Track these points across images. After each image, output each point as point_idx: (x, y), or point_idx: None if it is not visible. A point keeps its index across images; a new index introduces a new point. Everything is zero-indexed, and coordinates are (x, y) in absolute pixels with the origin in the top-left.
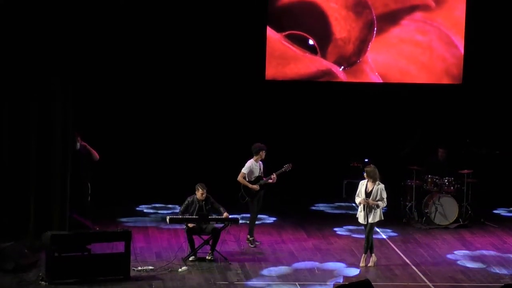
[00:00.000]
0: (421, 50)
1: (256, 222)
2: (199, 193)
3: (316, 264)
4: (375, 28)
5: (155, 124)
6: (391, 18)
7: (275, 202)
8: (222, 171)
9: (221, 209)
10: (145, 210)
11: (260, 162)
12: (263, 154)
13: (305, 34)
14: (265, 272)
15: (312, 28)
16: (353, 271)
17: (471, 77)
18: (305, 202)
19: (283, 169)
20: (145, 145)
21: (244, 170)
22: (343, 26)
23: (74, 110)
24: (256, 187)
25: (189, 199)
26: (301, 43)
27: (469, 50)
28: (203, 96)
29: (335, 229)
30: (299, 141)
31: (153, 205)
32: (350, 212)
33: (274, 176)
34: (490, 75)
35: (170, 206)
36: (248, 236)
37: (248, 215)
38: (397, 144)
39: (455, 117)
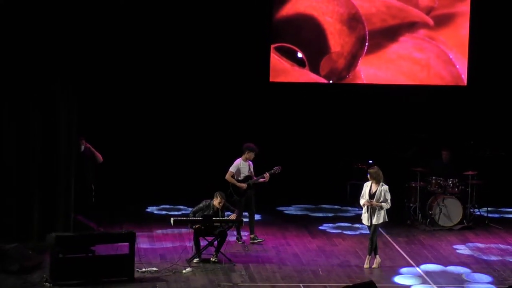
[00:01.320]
0: (419, 68)
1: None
2: (217, 201)
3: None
4: (367, 44)
5: (160, 126)
6: (389, 34)
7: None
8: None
9: (234, 210)
10: (155, 212)
11: (250, 162)
12: (248, 154)
13: (293, 47)
14: (269, 273)
15: (308, 41)
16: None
17: (475, 79)
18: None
19: (272, 170)
20: (151, 146)
21: (232, 168)
22: (337, 41)
23: (79, 112)
24: (243, 185)
25: (205, 202)
26: (289, 55)
27: (474, 52)
28: (208, 97)
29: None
30: (303, 143)
31: (162, 206)
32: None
33: (267, 175)
34: (495, 77)
35: (181, 207)
36: (238, 236)
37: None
38: (401, 146)
39: (460, 119)
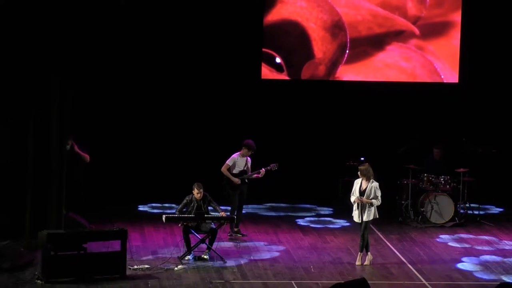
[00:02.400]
0: (405, 77)
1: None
2: (195, 193)
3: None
4: (347, 51)
5: (150, 124)
6: (376, 42)
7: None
8: (217, 169)
9: (218, 208)
10: (149, 211)
11: (248, 158)
12: (244, 151)
13: (272, 52)
14: (261, 270)
15: (293, 47)
16: None
17: (467, 76)
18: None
19: (269, 167)
20: (141, 144)
21: (228, 161)
22: (320, 47)
23: (71, 111)
24: (237, 180)
25: (187, 198)
26: (267, 61)
27: (465, 49)
28: (199, 95)
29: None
30: (295, 140)
31: (150, 205)
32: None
33: (262, 171)
34: (486, 74)
35: (166, 205)
36: (231, 230)
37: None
38: (394, 143)
39: (451, 116)
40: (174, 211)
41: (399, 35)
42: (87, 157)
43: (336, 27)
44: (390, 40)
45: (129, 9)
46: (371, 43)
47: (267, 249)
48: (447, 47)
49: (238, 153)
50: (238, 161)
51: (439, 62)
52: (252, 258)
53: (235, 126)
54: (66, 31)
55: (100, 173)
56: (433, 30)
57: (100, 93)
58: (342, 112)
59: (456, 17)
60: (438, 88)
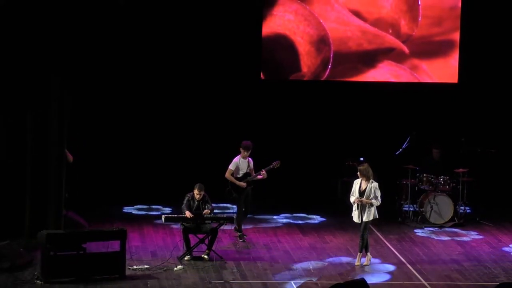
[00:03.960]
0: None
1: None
2: (196, 193)
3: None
4: (329, 66)
5: (148, 124)
6: (366, 59)
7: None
8: (215, 170)
9: (211, 209)
10: (134, 212)
11: (250, 159)
12: (242, 152)
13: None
14: (260, 270)
15: (282, 60)
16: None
17: (466, 76)
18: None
19: (271, 166)
20: (138, 145)
21: (231, 166)
22: (305, 61)
23: (70, 111)
24: (243, 184)
25: (189, 195)
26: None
27: (465, 49)
28: (196, 94)
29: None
30: (294, 140)
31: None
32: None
33: (263, 172)
34: (486, 74)
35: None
36: (238, 233)
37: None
38: (393, 144)
39: (450, 116)
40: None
41: (389, 53)
42: (70, 157)
43: (322, 42)
44: (382, 58)
45: (129, 9)
46: (361, 60)
47: (266, 249)
48: (444, 67)
49: (239, 156)
50: (240, 164)
51: (431, 81)
52: (251, 258)
53: (233, 126)
54: (65, 30)
55: (90, 172)
56: (430, 49)
57: (98, 93)
58: (341, 112)
59: (455, 35)
60: (437, 88)
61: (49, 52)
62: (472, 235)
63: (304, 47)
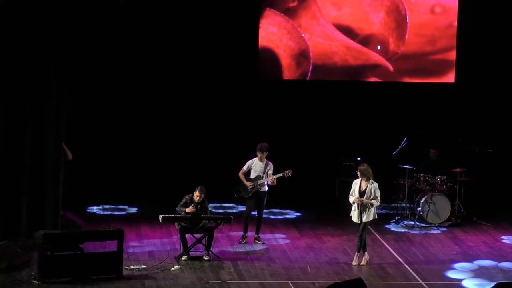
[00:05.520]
0: None
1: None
2: (196, 195)
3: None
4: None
5: (146, 125)
6: (353, 74)
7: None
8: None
9: (205, 210)
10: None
11: (270, 163)
12: (258, 154)
13: None
14: (257, 270)
15: (267, 74)
16: None
17: (463, 76)
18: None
19: (281, 174)
20: (135, 145)
21: (244, 166)
22: (286, 74)
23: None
24: (249, 184)
25: (187, 197)
26: None
27: (461, 49)
28: (191, 93)
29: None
30: (292, 141)
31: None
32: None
33: (272, 178)
34: (483, 74)
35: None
36: (245, 235)
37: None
38: (390, 144)
39: (447, 116)
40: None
41: (374, 70)
42: (69, 154)
43: (302, 56)
44: (369, 74)
45: (129, 9)
46: (347, 75)
47: (263, 248)
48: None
49: (255, 158)
50: (254, 166)
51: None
52: (249, 258)
53: (228, 127)
54: (65, 28)
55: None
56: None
57: (94, 92)
58: (338, 112)
59: (451, 55)
60: (434, 88)
61: (48, 50)
62: (469, 234)
63: (285, 60)
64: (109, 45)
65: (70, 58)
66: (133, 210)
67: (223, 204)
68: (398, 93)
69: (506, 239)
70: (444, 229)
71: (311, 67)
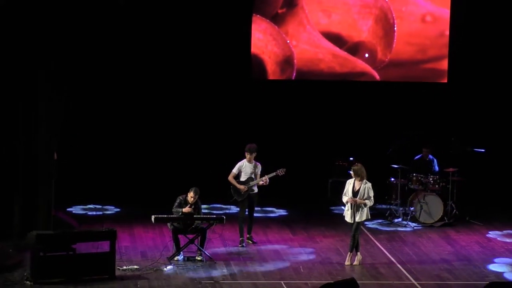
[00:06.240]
0: None
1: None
2: (190, 196)
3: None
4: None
5: (138, 125)
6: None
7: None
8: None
9: (198, 211)
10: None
11: (258, 164)
12: (247, 155)
13: None
14: (250, 270)
15: (254, 79)
16: None
17: (456, 75)
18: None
19: (274, 173)
20: (131, 147)
21: (234, 169)
22: (270, 80)
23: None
24: (243, 187)
25: (181, 198)
26: None
27: (454, 49)
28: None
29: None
30: (284, 140)
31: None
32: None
33: (265, 178)
34: (475, 74)
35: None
36: (241, 238)
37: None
38: (383, 143)
39: (440, 116)
40: (99, 213)
41: (360, 77)
42: (54, 155)
43: (286, 63)
44: (350, 80)
45: (126, 10)
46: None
47: (256, 249)
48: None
49: (244, 160)
50: (244, 167)
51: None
52: (241, 258)
53: (220, 127)
54: (61, 28)
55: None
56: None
57: (89, 93)
58: (331, 112)
59: (443, 65)
60: (427, 88)
61: (42, 51)
62: (462, 234)
63: (270, 66)
64: (104, 47)
65: (65, 58)
66: (112, 210)
67: (215, 205)
68: (391, 93)
69: (491, 233)
70: (436, 228)
71: (294, 73)
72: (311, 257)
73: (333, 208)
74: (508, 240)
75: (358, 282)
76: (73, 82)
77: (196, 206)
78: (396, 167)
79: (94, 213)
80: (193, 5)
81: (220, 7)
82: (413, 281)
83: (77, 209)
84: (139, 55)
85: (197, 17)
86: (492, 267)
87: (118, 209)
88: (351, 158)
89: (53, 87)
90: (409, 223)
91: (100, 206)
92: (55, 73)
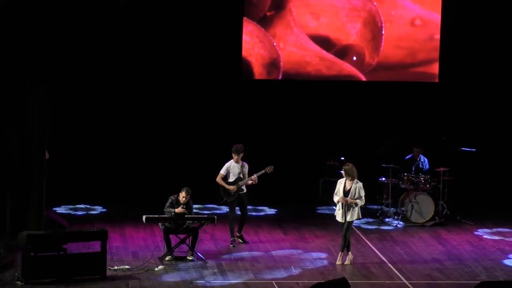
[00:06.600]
0: None
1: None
2: (182, 196)
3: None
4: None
5: (129, 125)
6: (323, 84)
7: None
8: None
9: (190, 211)
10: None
11: (245, 164)
12: (234, 156)
13: None
14: (241, 270)
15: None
16: None
17: (447, 75)
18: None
19: (263, 171)
20: (122, 146)
21: (222, 171)
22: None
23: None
24: (232, 188)
25: (173, 198)
26: None
27: (445, 49)
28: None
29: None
30: (275, 140)
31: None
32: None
33: (254, 177)
34: (466, 74)
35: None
36: (232, 238)
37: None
38: (374, 143)
39: (431, 115)
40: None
41: (345, 79)
42: (47, 154)
43: (272, 65)
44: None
45: (118, 10)
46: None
47: (247, 249)
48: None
49: (231, 160)
50: (232, 168)
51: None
52: (232, 258)
53: (210, 127)
54: (46, 27)
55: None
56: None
57: (80, 92)
58: (321, 112)
59: (433, 69)
60: (418, 88)
61: (33, 52)
62: (453, 234)
63: (257, 69)
64: (95, 47)
65: (54, 58)
66: (99, 210)
67: (206, 205)
68: (382, 92)
69: (480, 231)
70: (427, 228)
71: (281, 76)
72: (303, 256)
73: (321, 208)
74: (496, 237)
75: (349, 281)
76: (61, 82)
77: (187, 206)
78: (387, 167)
79: (80, 213)
80: (184, 6)
81: (211, 8)
82: (404, 281)
83: (63, 209)
84: (128, 56)
85: (188, 18)
86: (508, 262)
87: (105, 210)
88: (342, 158)
89: (45, 86)
90: (393, 220)
91: (89, 206)
92: (46, 72)
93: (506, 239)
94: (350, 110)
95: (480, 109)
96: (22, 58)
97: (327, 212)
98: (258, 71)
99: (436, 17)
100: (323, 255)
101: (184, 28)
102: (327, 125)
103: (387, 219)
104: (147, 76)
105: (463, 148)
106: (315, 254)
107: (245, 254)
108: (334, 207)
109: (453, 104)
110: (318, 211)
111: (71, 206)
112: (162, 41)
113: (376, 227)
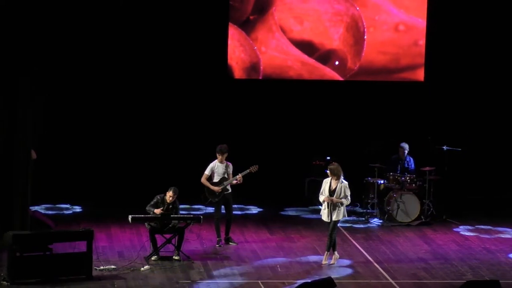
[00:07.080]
0: None
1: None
2: (168, 196)
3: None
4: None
5: (115, 124)
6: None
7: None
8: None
9: (176, 211)
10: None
11: (229, 164)
12: (218, 156)
13: None
14: (227, 270)
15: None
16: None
17: (433, 74)
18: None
19: (248, 170)
20: (108, 146)
21: (206, 171)
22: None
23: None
24: (217, 188)
25: (158, 197)
26: None
27: (431, 48)
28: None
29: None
30: (260, 140)
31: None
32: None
33: (239, 176)
34: (452, 73)
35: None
36: (218, 238)
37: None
38: (359, 142)
39: (417, 115)
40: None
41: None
42: (34, 154)
43: (252, 69)
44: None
45: (112, 11)
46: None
47: (233, 248)
48: None
49: (215, 160)
50: (216, 168)
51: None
52: (218, 257)
53: (197, 127)
54: (34, 28)
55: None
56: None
57: (66, 92)
58: (307, 111)
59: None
60: (403, 87)
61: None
62: (439, 233)
63: (238, 72)
64: (81, 48)
65: (44, 59)
66: (84, 209)
67: (192, 206)
68: (367, 91)
69: (465, 230)
70: (413, 227)
71: (261, 76)
72: (288, 256)
73: (307, 208)
74: (482, 236)
75: (335, 281)
76: (51, 81)
77: (174, 205)
78: (373, 166)
79: (66, 212)
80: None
81: (197, 9)
82: (390, 280)
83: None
84: (115, 58)
85: (174, 19)
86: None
87: (87, 209)
88: (328, 158)
89: (31, 87)
90: (370, 219)
91: (72, 206)
92: (34, 73)
93: (490, 236)
94: (336, 109)
95: (466, 108)
96: (10, 58)
97: (311, 217)
98: (238, 75)
99: (420, 22)
100: (309, 254)
101: (166, 30)
102: (313, 125)
103: (371, 219)
104: (131, 76)
105: (449, 148)
106: (301, 254)
107: (231, 253)
108: (320, 207)
109: (439, 103)
110: (303, 216)
111: (51, 205)
112: (146, 43)
113: (349, 225)
